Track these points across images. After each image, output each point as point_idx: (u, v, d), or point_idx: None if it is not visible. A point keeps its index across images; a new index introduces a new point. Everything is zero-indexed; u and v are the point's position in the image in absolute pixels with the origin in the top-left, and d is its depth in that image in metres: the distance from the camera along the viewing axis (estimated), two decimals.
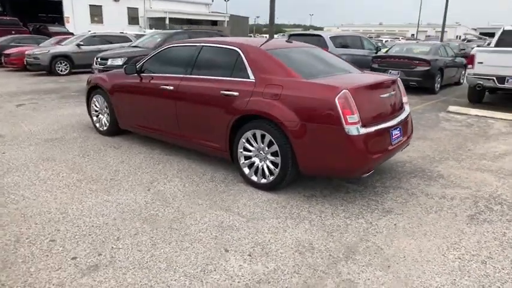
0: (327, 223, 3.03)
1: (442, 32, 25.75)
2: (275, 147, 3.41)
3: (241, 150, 3.70)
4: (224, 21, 38.55)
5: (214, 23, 38.63)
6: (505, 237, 2.86)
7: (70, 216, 3.06)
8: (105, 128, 5.39)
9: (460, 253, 2.64)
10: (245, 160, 3.72)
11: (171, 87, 4.22)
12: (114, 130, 5.30)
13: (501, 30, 9.16)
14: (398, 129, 3.62)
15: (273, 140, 3.40)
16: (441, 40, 24.81)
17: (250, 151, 3.65)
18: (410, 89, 9.77)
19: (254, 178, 3.65)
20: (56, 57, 13.01)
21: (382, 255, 2.61)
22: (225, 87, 3.73)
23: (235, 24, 39.15)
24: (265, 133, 3.45)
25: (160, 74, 4.46)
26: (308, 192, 3.58)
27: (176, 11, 34.27)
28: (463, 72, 12.00)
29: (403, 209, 3.31)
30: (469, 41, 36.69)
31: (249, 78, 3.63)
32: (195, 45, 4.27)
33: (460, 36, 68.59)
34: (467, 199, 3.53)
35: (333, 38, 10.98)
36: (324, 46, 10.49)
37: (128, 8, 32.95)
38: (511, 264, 2.52)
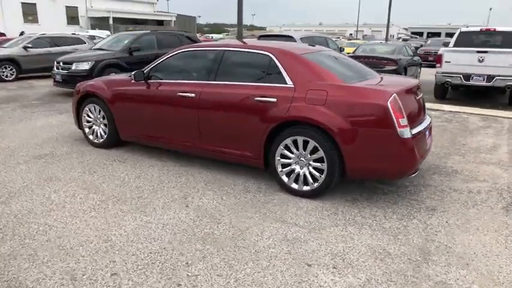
0: (386, 226, 3.05)
1: (387, 31, 27.44)
2: (320, 153, 3.35)
3: (279, 157, 3.59)
4: (171, 21, 37.43)
5: (160, 23, 37.34)
6: None
7: (117, 244, 2.74)
8: (101, 140, 4.94)
9: None
10: (283, 168, 3.62)
11: (192, 95, 3.97)
12: (113, 142, 4.88)
13: (458, 32, 9.96)
14: (428, 130, 3.76)
15: (318, 146, 3.34)
16: (386, 40, 26.40)
17: (289, 158, 3.55)
18: None
19: (295, 186, 3.56)
20: (0, 61, 11.70)
21: (454, 253, 2.68)
22: (260, 93, 3.59)
23: (182, 24, 38.20)
24: (309, 139, 3.38)
25: (175, 81, 4.18)
26: (349, 196, 3.58)
27: (120, 11, 32.57)
28: (419, 70, 12.91)
29: (443, 206, 3.44)
30: (404, 40, 39.55)
31: (286, 83, 3.52)
32: (215, 50, 4.06)
33: (393, 36, 73.68)
34: (491, 192, 3.77)
35: (302, 39, 11.16)
36: None
37: (66, 6, 30.65)
38: None
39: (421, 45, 23.41)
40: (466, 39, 9.63)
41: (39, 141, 5.28)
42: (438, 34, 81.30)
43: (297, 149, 3.49)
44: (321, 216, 3.20)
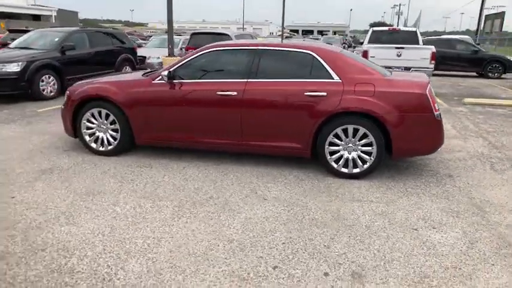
0: (433, 192, 3.72)
1: (282, 30, 29.45)
2: (370, 139, 3.85)
3: (328, 146, 3.97)
4: (51, 16, 33.12)
5: (37, 17, 32.72)
6: None
7: (243, 241, 2.77)
8: (109, 147, 4.53)
9: None
10: (331, 155, 4.01)
11: (234, 93, 4.03)
12: (123, 148, 4.54)
13: (371, 31, 11.62)
14: None
15: (367, 132, 3.84)
16: (282, 38, 28.35)
17: (338, 145, 3.96)
18: None
19: (344, 170, 3.99)
20: None
21: (495, 204, 3.48)
22: (310, 88, 3.90)
23: (64, 20, 34.17)
24: (360, 127, 3.84)
25: (211, 80, 4.15)
26: (384, 175, 4.15)
27: None
28: None
29: (453, 172, 4.29)
30: (287, 37, 42.94)
31: (332, 78, 3.91)
32: (250, 49, 4.18)
33: (272, 33, 78.76)
34: (472, 158, 4.82)
35: (237, 37, 11.49)
36: None
37: None
38: None
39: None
40: (377, 37, 11.35)
41: (22, 155, 4.53)
42: (311, 32, 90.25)
43: (346, 136, 3.93)
44: (382, 192, 3.72)
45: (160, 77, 4.25)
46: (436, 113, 3.80)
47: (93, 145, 4.60)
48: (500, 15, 27.60)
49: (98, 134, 4.56)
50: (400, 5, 76.23)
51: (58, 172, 4.05)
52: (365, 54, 10.17)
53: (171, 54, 11.70)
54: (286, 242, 2.79)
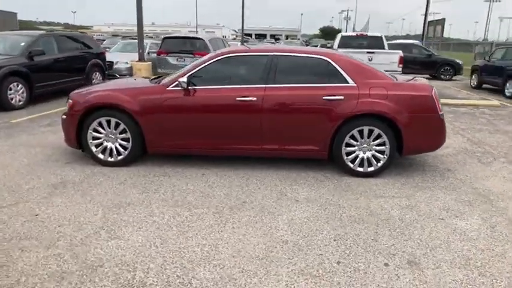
0: (442, 185, 4.07)
1: (242, 34, 29.70)
2: (383, 139, 4.12)
3: (344, 147, 4.18)
4: None
5: None
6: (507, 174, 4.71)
7: (310, 239, 2.87)
8: (119, 157, 4.38)
9: None
10: (347, 156, 4.22)
11: (253, 98, 4.10)
12: (135, 157, 4.42)
13: (340, 36, 12.21)
14: None
15: (381, 132, 4.10)
16: (242, 42, 28.62)
17: (353, 146, 4.19)
18: None
19: (360, 169, 4.22)
20: None
21: (497, 193, 3.90)
22: (327, 92, 4.08)
23: (1, 21, 31.53)
24: (374, 128, 4.10)
25: (228, 86, 4.19)
26: (393, 173, 4.45)
27: None
28: None
29: (450, 167, 4.71)
30: (246, 41, 43.40)
31: (348, 83, 4.12)
32: (266, 55, 4.28)
33: (226, 36, 79.14)
34: (461, 153, 5.31)
35: (210, 42, 11.47)
36: (206, 50, 10.94)
37: None
38: None
39: None
40: (346, 42, 11.95)
41: (20, 170, 4.23)
42: (264, 35, 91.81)
43: (362, 137, 4.16)
44: (398, 187, 3.99)
45: (176, 83, 4.21)
46: (440, 113, 4.17)
47: (101, 156, 4.41)
48: (441, 22, 30.04)
49: (105, 144, 4.39)
50: (348, 10, 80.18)
51: (72, 186, 3.85)
52: None
53: (141, 58, 11.41)
54: (336, 239, 2.93)
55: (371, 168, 4.23)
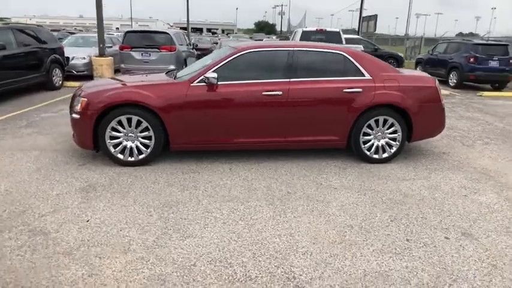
0: (447, 166, 4.56)
1: (188, 23, 28.99)
2: (396, 127, 4.48)
3: (362, 136, 4.48)
4: None
5: None
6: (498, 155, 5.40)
7: (364, 225, 3.07)
8: (140, 156, 4.21)
9: None
10: (364, 144, 4.52)
11: (279, 92, 4.20)
12: (156, 156, 4.28)
13: (301, 31, 12.62)
14: None
15: (394, 121, 4.46)
16: (188, 36, 27.96)
17: (369, 135, 4.50)
18: None
19: (376, 156, 4.56)
20: None
21: (495, 170, 4.49)
22: (347, 85, 4.32)
23: None
24: (388, 117, 4.44)
25: (253, 81, 4.23)
26: (400, 158, 4.85)
27: None
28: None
29: (445, 150, 5.27)
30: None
31: (364, 76, 4.41)
32: (286, 50, 4.39)
33: None
34: (448, 138, 5.93)
35: (174, 36, 11.16)
36: (171, 44, 10.68)
37: None
38: None
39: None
40: (307, 36, 12.41)
41: (33, 176, 3.88)
42: (200, 29, 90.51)
43: (377, 126, 4.49)
44: (411, 171, 4.40)
45: (201, 78, 4.15)
46: (442, 102, 4.65)
47: (120, 156, 4.20)
48: (374, 18, 32.28)
49: (125, 143, 4.19)
50: (282, 5, 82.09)
51: (103, 189, 3.64)
52: None
53: (102, 54, 10.73)
54: (393, 220, 3.20)
55: (385, 155, 4.59)
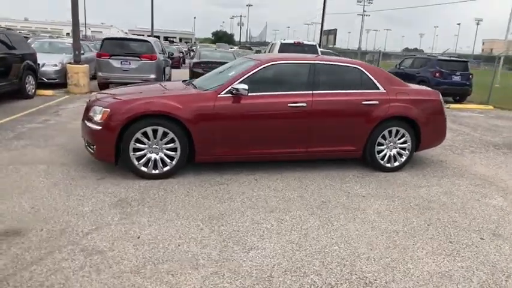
0: (453, 171, 4.92)
1: (152, 31, 28.37)
2: (407, 137, 4.78)
3: (377, 146, 4.71)
4: None
5: None
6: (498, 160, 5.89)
7: (408, 229, 3.24)
8: (165, 168, 4.11)
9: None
10: (378, 154, 4.76)
11: (304, 104, 4.31)
12: (180, 168, 4.19)
13: (279, 43, 12.95)
14: None
15: (405, 132, 4.76)
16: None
17: (383, 145, 4.75)
18: None
19: (388, 164, 4.81)
20: None
21: (488, 173, 4.92)
22: (365, 98, 4.55)
23: None
24: (400, 128, 4.73)
25: (278, 93, 4.32)
26: (406, 166, 5.16)
27: None
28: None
29: (442, 157, 5.67)
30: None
31: (379, 89, 4.66)
32: (308, 63, 4.53)
33: None
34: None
35: (154, 44, 10.95)
36: (152, 52, 10.49)
37: None
38: None
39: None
40: (284, 49, 12.77)
41: (54, 191, 3.63)
42: (158, 37, 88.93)
43: (390, 136, 4.75)
44: (422, 178, 4.69)
45: (228, 89, 4.16)
46: (445, 114, 5.04)
47: (144, 169, 4.06)
48: (334, 32, 33.84)
49: (149, 155, 4.06)
50: (241, 16, 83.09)
51: (137, 204, 3.50)
52: None
53: (77, 60, 10.23)
54: (429, 224, 3.41)
55: (396, 164, 4.86)
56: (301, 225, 3.26)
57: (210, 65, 11.76)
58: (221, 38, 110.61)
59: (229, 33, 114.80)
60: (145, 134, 4.01)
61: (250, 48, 39.82)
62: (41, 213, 3.21)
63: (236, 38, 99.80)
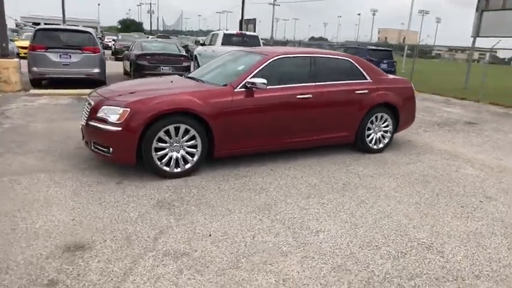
0: (431, 149, 5.70)
1: (64, 18, 25.50)
2: (388, 122, 5.40)
3: (366, 131, 5.23)
4: None
5: None
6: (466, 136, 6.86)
7: (433, 200, 3.77)
8: (186, 166, 4.06)
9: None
10: (367, 137, 5.29)
11: (309, 95, 4.59)
12: (200, 164, 4.17)
13: (222, 34, 12.93)
14: None
15: (388, 117, 5.36)
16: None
17: (370, 129, 5.29)
18: None
19: (375, 146, 5.39)
20: None
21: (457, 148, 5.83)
22: (358, 87, 5.01)
23: None
24: (383, 114, 5.32)
25: (288, 85, 4.52)
26: (389, 149, 5.80)
27: None
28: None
29: (413, 138, 6.47)
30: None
31: (367, 79, 5.16)
32: (308, 56, 4.80)
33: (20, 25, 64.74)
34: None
35: (95, 35, 10.11)
36: (95, 44, 9.76)
37: None
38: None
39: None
40: (228, 39, 12.87)
41: (81, 200, 3.36)
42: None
43: (376, 121, 5.31)
44: (405, 156, 5.38)
45: (243, 84, 4.23)
46: (415, 99, 5.79)
47: (166, 168, 3.95)
48: (253, 21, 34.55)
49: (171, 153, 3.96)
50: (150, 3, 79.16)
51: (179, 203, 3.44)
52: None
53: (5, 54, 8.97)
54: (437, 194, 4.01)
55: (381, 145, 5.47)
56: (342, 206, 3.59)
57: (157, 57, 11.29)
58: (129, 26, 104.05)
59: (138, 21, 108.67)
60: (167, 133, 3.91)
61: (168, 37, 38.36)
62: (87, 224, 2.99)
63: (147, 27, 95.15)
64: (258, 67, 4.44)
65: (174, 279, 2.37)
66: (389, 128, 5.49)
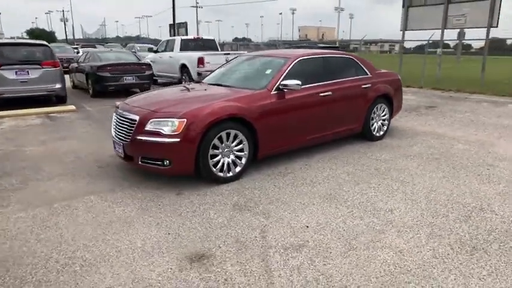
0: (428, 133, 6.44)
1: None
2: (386, 111, 6.02)
3: (370, 121, 5.79)
4: None
5: None
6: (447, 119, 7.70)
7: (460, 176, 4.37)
8: (236, 169, 4.21)
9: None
10: (371, 127, 5.84)
11: (329, 93, 4.98)
12: (247, 166, 4.32)
13: (180, 40, 12.79)
14: None
15: (386, 107, 5.98)
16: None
17: (373, 119, 5.86)
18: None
19: (377, 134, 5.98)
20: None
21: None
22: (363, 83, 5.53)
23: None
24: (382, 104, 5.93)
25: (311, 85, 4.87)
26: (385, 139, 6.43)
27: None
28: None
29: (392, 124, 7.20)
30: None
31: (367, 74, 5.70)
32: (321, 57, 5.20)
33: None
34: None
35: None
36: (53, 58, 9.16)
37: None
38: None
39: None
40: (186, 44, 12.82)
41: (158, 216, 3.33)
42: None
43: (377, 111, 5.89)
44: (404, 140, 6.03)
45: (277, 86, 4.46)
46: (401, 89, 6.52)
47: (220, 174, 4.04)
48: (184, 25, 34.32)
49: (222, 159, 4.05)
50: (63, 11, 73.69)
51: (254, 204, 3.59)
52: (201, 60, 11.39)
53: None
54: (452, 168, 4.65)
55: (381, 133, 6.09)
56: (391, 187, 4.04)
57: (118, 67, 10.82)
58: (39, 36, 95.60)
59: (49, 30, 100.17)
60: (219, 139, 4.00)
61: (94, 46, 36.21)
62: (186, 235, 3.01)
63: (60, 36, 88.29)
64: (286, 70, 4.72)
65: (313, 267, 2.58)
66: (387, 116, 6.13)
